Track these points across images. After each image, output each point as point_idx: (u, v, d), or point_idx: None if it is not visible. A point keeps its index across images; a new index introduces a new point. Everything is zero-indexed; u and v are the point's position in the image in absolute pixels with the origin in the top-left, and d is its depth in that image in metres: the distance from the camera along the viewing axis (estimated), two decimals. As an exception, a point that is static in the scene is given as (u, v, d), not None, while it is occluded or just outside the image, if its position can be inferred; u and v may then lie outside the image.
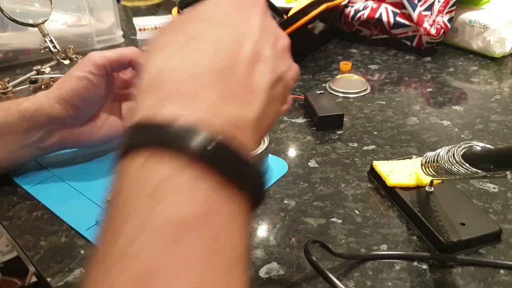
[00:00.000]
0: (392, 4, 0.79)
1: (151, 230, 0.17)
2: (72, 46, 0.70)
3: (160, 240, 0.17)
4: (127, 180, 0.19)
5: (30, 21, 0.64)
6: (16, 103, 0.43)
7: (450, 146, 0.35)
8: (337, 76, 0.69)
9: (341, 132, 0.55)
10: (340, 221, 0.40)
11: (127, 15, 1.08)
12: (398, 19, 0.78)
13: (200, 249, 0.17)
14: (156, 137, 0.19)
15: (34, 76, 0.66)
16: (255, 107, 0.22)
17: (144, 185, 0.18)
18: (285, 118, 0.58)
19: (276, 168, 0.48)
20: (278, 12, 0.89)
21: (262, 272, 0.35)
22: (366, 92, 0.65)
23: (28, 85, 0.65)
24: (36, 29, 0.65)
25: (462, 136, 0.54)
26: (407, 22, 0.77)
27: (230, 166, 0.19)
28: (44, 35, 0.66)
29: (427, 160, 0.38)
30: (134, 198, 0.18)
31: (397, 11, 0.78)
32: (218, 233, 0.18)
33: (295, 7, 0.74)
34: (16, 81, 0.66)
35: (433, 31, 0.74)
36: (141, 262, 0.16)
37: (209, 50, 0.22)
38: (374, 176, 0.45)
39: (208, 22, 0.24)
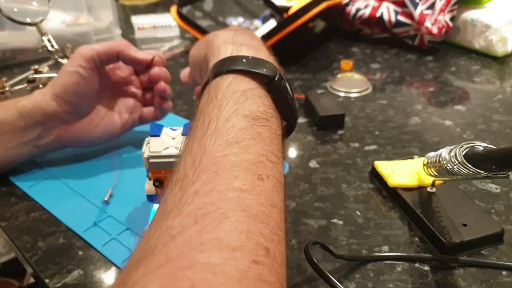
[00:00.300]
0: (394, 2, 0.78)
1: (237, 118, 0.25)
2: (70, 45, 0.70)
3: (242, 124, 0.25)
4: (220, 91, 0.27)
5: (28, 20, 0.64)
6: (14, 101, 0.43)
7: (452, 146, 0.34)
8: (338, 75, 0.69)
9: (342, 132, 0.55)
10: (341, 222, 0.40)
11: (125, 13, 1.08)
12: (400, 17, 0.77)
13: (266, 133, 0.26)
14: (240, 66, 0.29)
15: (32, 76, 0.65)
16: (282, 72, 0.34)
17: (232, 93, 0.27)
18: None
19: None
20: (277, 11, 0.89)
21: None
22: (368, 92, 0.65)
23: (25, 85, 0.64)
24: (34, 28, 0.65)
25: (464, 136, 0.53)
26: (408, 21, 0.76)
27: (283, 94, 0.29)
28: (42, 34, 0.66)
29: (429, 161, 0.38)
30: (227, 98, 0.27)
31: (399, 9, 0.78)
32: (274, 132, 0.27)
33: (295, 5, 0.73)
34: (14, 81, 0.65)
35: (434, 30, 0.73)
36: (229, 135, 0.24)
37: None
38: (376, 176, 0.45)
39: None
